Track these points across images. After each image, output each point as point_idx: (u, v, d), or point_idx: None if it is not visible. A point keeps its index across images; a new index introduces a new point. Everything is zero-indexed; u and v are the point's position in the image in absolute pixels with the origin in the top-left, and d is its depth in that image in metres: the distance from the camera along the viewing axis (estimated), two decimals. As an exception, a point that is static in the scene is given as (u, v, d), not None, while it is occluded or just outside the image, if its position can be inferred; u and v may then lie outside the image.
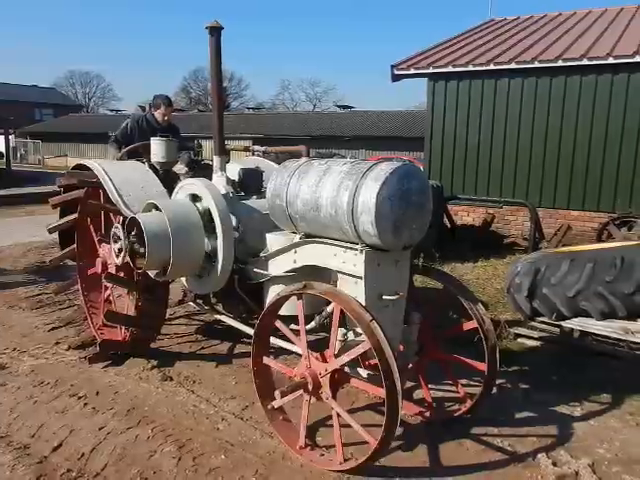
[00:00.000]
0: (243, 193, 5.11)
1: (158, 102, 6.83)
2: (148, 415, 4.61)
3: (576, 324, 6.09)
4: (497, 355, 4.27)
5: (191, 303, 5.68)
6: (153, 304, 5.26)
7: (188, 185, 4.84)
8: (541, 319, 6.48)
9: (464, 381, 4.88)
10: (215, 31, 4.84)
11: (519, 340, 6.41)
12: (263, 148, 5.67)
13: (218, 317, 5.32)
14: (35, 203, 17.82)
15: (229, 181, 5.01)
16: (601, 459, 4.15)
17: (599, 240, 11.26)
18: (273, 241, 4.63)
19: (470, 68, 12.33)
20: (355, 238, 3.92)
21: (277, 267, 4.53)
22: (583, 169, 11.85)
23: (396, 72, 12.87)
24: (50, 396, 4.94)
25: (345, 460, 3.84)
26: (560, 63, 11.82)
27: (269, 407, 4.18)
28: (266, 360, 4.27)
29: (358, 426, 3.71)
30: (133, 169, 5.47)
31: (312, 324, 4.49)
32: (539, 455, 4.15)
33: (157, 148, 5.49)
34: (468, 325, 4.39)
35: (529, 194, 12.21)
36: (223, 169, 5.01)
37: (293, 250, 4.40)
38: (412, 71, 12.69)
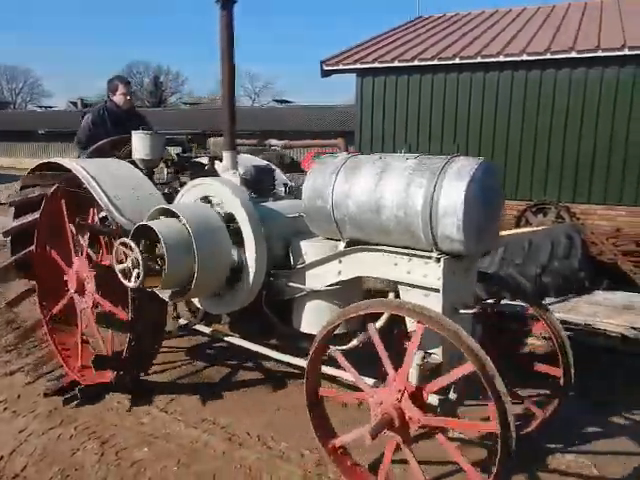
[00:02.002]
0: (255, 195, 4.07)
1: (115, 83, 5.62)
2: (71, 415, 4.23)
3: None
4: (572, 367, 3.54)
5: (198, 327, 4.44)
6: (149, 340, 4.12)
7: (201, 185, 3.76)
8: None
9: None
10: (227, 4, 3.77)
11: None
12: (282, 142, 4.62)
13: (235, 341, 4.18)
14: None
15: (242, 181, 3.96)
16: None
17: (517, 226, 11.17)
18: (309, 250, 3.66)
19: (396, 64, 11.69)
20: (428, 244, 3.07)
21: (317, 280, 3.58)
22: (502, 160, 11.50)
23: (325, 68, 12.05)
24: (-32, 403, 4.43)
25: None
26: (479, 59, 11.46)
27: (331, 446, 3.25)
28: (325, 392, 3.32)
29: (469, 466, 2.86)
30: (117, 168, 4.29)
31: (354, 343, 3.60)
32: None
33: (140, 143, 4.32)
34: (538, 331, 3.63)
35: (454, 185, 11.75)
36: (235, 167, 3.95)
37: (337, 260, 3.48)
38: (341, 67, 11.90)
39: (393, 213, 3.13)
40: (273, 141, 4.66)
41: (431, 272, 3.11)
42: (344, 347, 3.65)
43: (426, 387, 3.00)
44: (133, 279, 3.37)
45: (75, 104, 45.45)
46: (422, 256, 3.13)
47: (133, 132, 4.38)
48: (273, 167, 4.41)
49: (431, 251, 3.09)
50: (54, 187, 4.31)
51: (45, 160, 4.44)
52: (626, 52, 10.69)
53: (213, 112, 38.49)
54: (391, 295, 3.45)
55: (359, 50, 12.46)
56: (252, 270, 3.54)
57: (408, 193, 3.06)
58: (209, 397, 4.40)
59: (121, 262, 3.42)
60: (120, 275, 3.46)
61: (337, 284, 3.51)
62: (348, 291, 3.58)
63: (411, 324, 3.15)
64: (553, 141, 11.26)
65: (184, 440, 3.91)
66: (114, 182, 3.97)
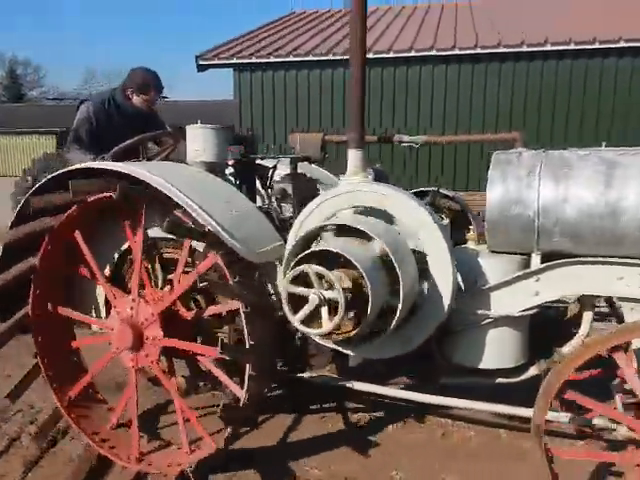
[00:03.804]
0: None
1: (146, 83, 3.99)
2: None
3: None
4: None
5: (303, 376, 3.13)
6: (267, 377, 2.87)
7: (365, 193, 2.63)
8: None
9: None
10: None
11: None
12: (421, 138, 3.48)
13: (389, 392, 3.00)
14: None
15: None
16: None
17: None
18: (488, 266, 2.74)
19: (272, 59, 10.80)
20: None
21: (506, 304, 2.70)
22: (376, 154, 11.09)
23: (201, 62, 10.70)
24: None
25: None
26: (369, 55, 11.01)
27: None
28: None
29: None
30: (195, 175, 2.98)
31: (530, 372, 2.84)
32: None
33: (205, 141, 3.02)
34: None
35: (336, 179, 11.23)
36: (365, 169, 2.86)
37: (534, 277, 2.65)
38: (217, 61, 10.66)
39: (638, 218, 2.42)
40: (405, 137, 3.53)
41: (675, 285, 2.46)
42: (513, 379, 2.90)
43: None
44: (324, 322, 2.21)
45: None
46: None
47: (191, 127, 3.08)
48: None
49: (677, 261, 2.45)
50: (68, 213, 2.84)
51: (77, 166, 2.84)
52: (501, 50, 10.94)
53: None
54: (589, 314, 2.74)
55: (235, 44, 11.31)
56: (444, 298, 2.56)
57: (662, 193, 2.38)
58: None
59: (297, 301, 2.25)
60: (299, 320, 2.26)
61: (534, 307, 2.70)
62: (530, 316, 2.79)
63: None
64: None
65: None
66: (205, 196, 2.69)
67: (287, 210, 3.20)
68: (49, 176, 2.88)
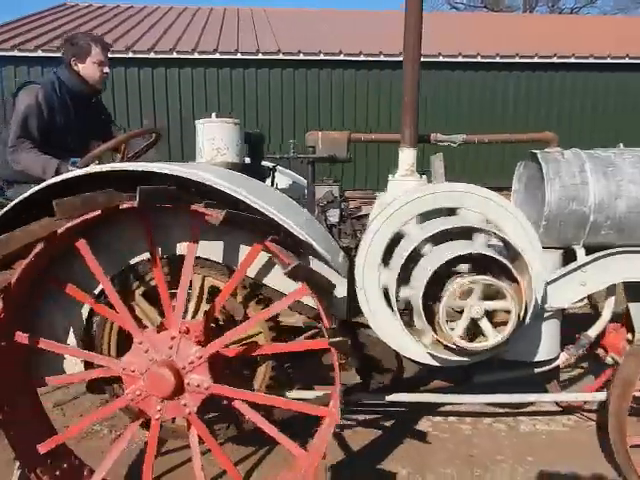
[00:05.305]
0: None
1: (85, 45, 2.98)
2: None
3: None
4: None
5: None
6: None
7: (466, 195, 2.30)
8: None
9: None
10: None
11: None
12: (459, 137, 2.94)
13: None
14: None
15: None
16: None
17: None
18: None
19: (40, 54, 9.23)
20: None
21: (560, 297, 2.69)
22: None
23: (-51, 52, 8.58)
24: None
25: None
26: (130, 55, 10.19)
27: None
28: None
29: None
30: (251, 182, 2.32)
31: (562, 359, 2.95)
32: None
33: (229, 138, 2.42)
34: None
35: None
36: (414, 169, 2.53)
37: (583, 269, 2.73)
38: (-29, 52, 8.68)
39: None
40: (440, 136, 3.03)
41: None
42: (545, 367, 2.96)
43: None
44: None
45: None
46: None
47: (210, 121, 2.43)
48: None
49: None
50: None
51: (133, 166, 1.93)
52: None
53: None
54: (612, 299, 2.93)
55: (-5, 33, 9.33)
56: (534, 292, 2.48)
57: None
58: None
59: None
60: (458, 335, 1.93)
61: (582, 299, 2.77)
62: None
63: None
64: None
65: None
66: (283, 208, 2.12)
67: (331, 216, 2.76)
68: (21, 196, 1.99)
